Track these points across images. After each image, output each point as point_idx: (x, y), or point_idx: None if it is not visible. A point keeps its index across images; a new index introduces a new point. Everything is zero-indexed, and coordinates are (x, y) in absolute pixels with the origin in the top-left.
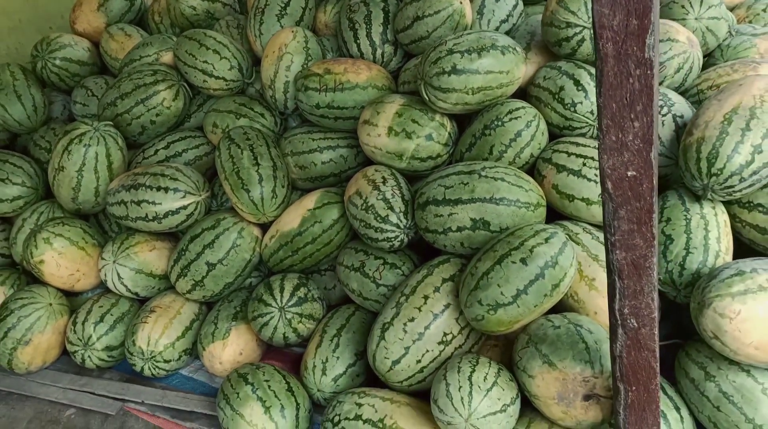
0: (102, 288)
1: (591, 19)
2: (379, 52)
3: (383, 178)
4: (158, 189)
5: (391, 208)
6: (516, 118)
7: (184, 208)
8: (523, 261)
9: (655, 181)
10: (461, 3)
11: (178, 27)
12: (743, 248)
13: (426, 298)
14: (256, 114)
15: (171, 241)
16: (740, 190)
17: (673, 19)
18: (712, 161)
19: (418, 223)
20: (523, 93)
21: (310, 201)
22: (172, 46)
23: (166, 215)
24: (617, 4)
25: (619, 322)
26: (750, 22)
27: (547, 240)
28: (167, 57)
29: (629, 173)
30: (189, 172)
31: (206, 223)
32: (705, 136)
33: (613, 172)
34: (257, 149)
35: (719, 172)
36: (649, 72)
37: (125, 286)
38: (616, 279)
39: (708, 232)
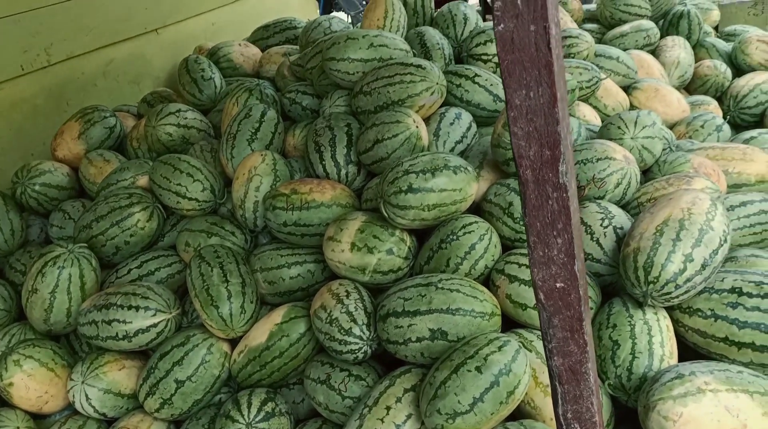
0: (70, 409)
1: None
2: (343, 172)
3: (347, 291)
4: (129, 308)
5: (355, 321)
6: (469, 232)
7: (155, 325)
8: (478, 369)
9: (582, 292)
10: (417, 127)
11: (155, 152)
12: (689, 352)
13: (388, 408)
14: (227, 232)
15: (141, 359)
16: (677, 297)
17: (611, 139)
18: (648, 270)
19: (380, 335)
20: (477, 208)
21: (278, 315)
22: (148, 170)
23: (136, 334)
24: (531, 138)
25: (564, 426)
26: (690, 137)
27: (500, 348)
28: (143, 180)
29: (558, 285)
30: (160, 291)
31: (176, 340)
32: (640, 247)
33: (543, 284)
34: (227, 267)
35: (655, 280)
36: (564, 195)
37: (93, 407)
38: (557, 384)
39: (652, 337)
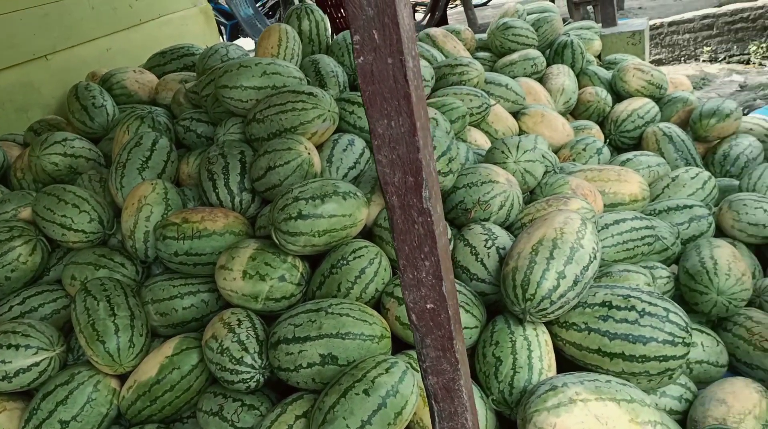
0: None
1: None
2: (237, 200)
3: (239, 320)
4: (8, 347)
5: (246, 350)
6: (359, 257)
7: (36, 364)
8: (366, 392)
9: (452, 312)
10: (309, 154)
11: (41, 182)
12: (568, 364)
13: None
14: (117, 264)
15: (23, 400)
16: (552, 312)
17: (496, 163)
18: (525, 287)
19: (272, 363)
20: (370, 232)
21: (169, 348)
22: (31, 201)
23: (16, 374)
24: (395, 165)
25: None
26: (573, 159)
27: (387, 370)
28: (26, 213)
29: (428, 306)
30: (42, 327)
31: (60, 378)
32: (518, 266)
33: (415, 306)
34: (114, 300)
35: (532, 297)
36: (429, 219)
37: None
38: (433, 403)
39: (531, 352)
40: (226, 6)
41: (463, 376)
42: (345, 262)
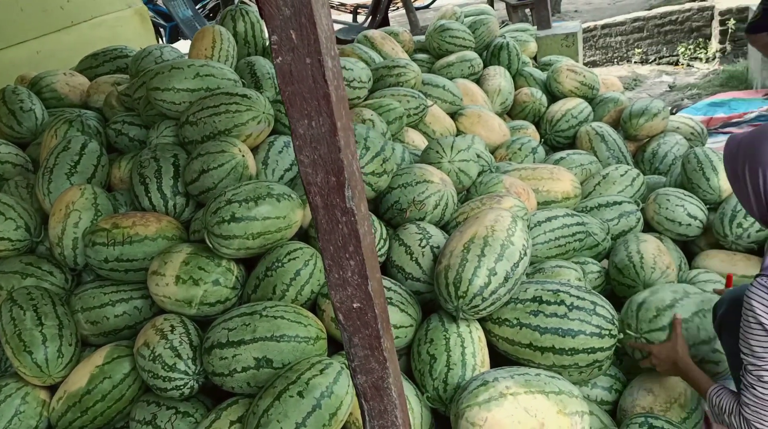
0: None
1: None
2: (171, 203)
3: (172, 326)
4: None
5: (179, 356)
6: (294, 259)
7: None
8: (300, 394)
9: (378, 310)
10: (243, 156)
11: None
12: (502, 359)
13: None
14: (44, 273)
15: None
16: (485, 309)
17: (431, 163)
18: (457, 285)
19: (206, 368)
20: (306, 234)
21: (99, 357)
22: None
23: None
24: (317, 165)
25: None
26: (509, 159)
27: (322, 371)
28: None
29: (355, 305)
30: None
31: None
32: (450, 264)
33: (341, 306)
34: (41, 309)
35: (464, 295)
36: (353, 218)
37: None
38: (363, 401)
39: (465, 349)
40: (165, 7)
41: (392, 374)
42: (280, 264)
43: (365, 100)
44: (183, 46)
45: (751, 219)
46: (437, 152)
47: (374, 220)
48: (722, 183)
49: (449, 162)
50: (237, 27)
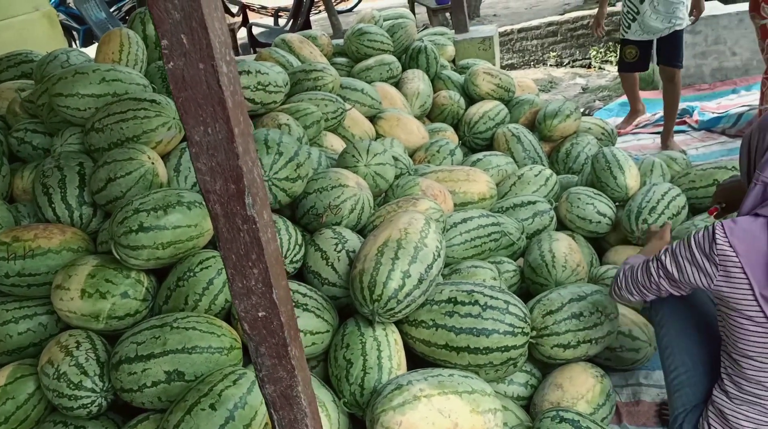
0: None
1: (266, 174)
2: (76, 214)
3: (77, 342)
4: None
5: (85, 373)
6: (206, 268)
7: None
8: (212, 406)
9: (285, 318)
10: (153, 163)
11: None
12: (418, 361)
13: None
14: None
15: None
16: (400, 311)
17: (347, 167)
18: (372, 289)
19: (114, 384)
20: None
21: (2, 377)
22: None
23: None
24: (215, 173)
25: None
26: (428, 161)
27: (235, 382)
28: None
29: (260, 314)
30: None
31: None
32: (364, 268)
33: (246, 315)
34: None
35: (379, 298)
36: (254, 226)
37: None
38: (272, 411)
39: (381, 352)
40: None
41: (302, 382)
42: (192, 273)
43: (282, 104)
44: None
45: (655, 214)
46: (353, 156)
47: (290, 225)
48: (629, 181)
49: (365, 166)
50: (147, 30)
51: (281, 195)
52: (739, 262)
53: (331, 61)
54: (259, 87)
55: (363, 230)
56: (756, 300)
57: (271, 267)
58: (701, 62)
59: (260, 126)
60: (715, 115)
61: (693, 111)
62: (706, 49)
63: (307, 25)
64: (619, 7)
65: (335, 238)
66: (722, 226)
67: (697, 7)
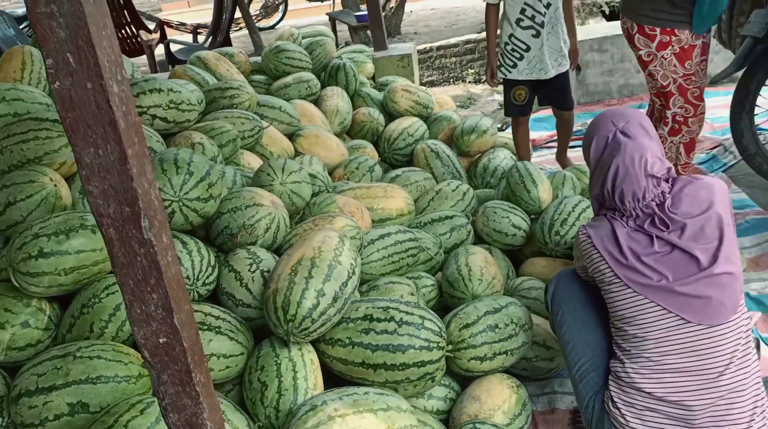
0: None
1: (176, 194)
2: None
3: None
4: None
5: None
6: (113, 293)
7: None
8: None
9: (188, 344)
10: (56, 185)
11: None
12: (337, 380)
13: None
14: None
15: None
16: (315, 330)
17: (262, 186)
18: (285, 309)
19: (14, 419)
20: None
21: None
22: None
23: None
24: (108, 196)
25: None
26: (348, 178)
27: (142, 411)
28: None
29: (161, 340)
30: None
31: None
32: (278, 288)
33: (147, 342)
34: None
35: (293, 318)
36: (152, 250)
37: None
38: None
39: (296, 373)
40: None
41: (207, 409)
42: (97, 300)
43: (197, 122)
44: None
45: (566, 226)
46: (268, 175)
47: (202, 246)
48: (542, 194)
49: (281, 184)
50: None
51: (193, 215)
52: (592, 242)
53: (249, 79)
54: (172, 105)
55: (280, 249)
56: (612, 269)
57: (171, 291)
58: (609, 79)
59: (173, 145)
60: None
61: None
62: (613, 66)
63: (227, 42)
64: None
65: (249, 258)
66: (585, 224)
67: (574, 52)
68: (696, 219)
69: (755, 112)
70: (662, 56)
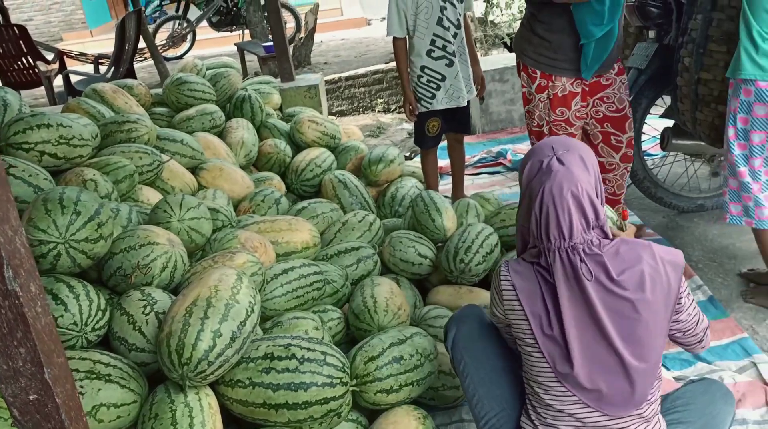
0: None
1: (62, 236)
2: None
3: None
4: None
5: None
6: None
7: None
8: None
9: (60, 400)
10: None
11: None
12: (239, 422)
13: None
14: None
15: None
16: (213, 373)
17: (158, 224)
18: (180, 352)
19: None
20: None
21: None
22: None
23: None
24: None
25: None
26: (253, 212)
27: None
28: None
29: (31, 397)
30: None
31: None
32: (172, 330)
33: (15, 399)
34: None
35: (188, 361)
36: (17, 301)
37: None
38: None
39: (193, 419)
40: None
41: None
42: None
43: (91, 158)
44: None
45: (470, 254)
46: (165, 211)
47: (90, 290)
48: (446, 223)
49: (179, 220)
50: None
51: (81, 257)
52: (517, 296)
53: (150, 112)
54: (62, 141)
55: (177, 289)
56: (531, 329)
57: (41, 344)
58: (510, 108)
59: (62, 183)
60: None
61: (506, 153)
62: (514, 95)
63: (130, 73)
64: None
65: (144, 299)
66: (507, 264)
67: (482, 80)
68: (624, 300)
69: (642, 139)
70: (539, 99)
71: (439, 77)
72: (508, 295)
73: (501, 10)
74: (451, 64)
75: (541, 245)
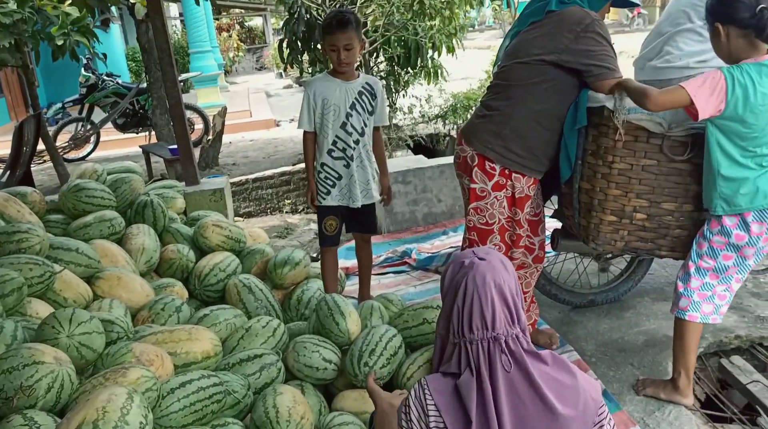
0: None
1: None
2: None
3: None
4: None
5: None
6: None
7: None
8: None
9: None
10: None
11: None
12: None
13: None
14: None
15: None
16: None
17: (45, 341)
18: None
19: None
20: None
21: None
22: None
23: None
24: None
25: None
26: (153, 321)
27: None
28: None
29: None
30: None
31: None
32: None
33: None
34: None
35: None
36: None
37: None
38: None
39: None
40: None
41: None
42: None
43: None
44: None
45: (374, 357)
46: (53, 327)
47: None
48: (350, 326)
49: (68, 336)
50: None
51: None
52: (440, 415)
53: (45, 219)
54: None
55: (65, 410)
56: None
57: None
58: (414, 208)
59: None
60: (430, 254)
61: (411, 252)
62: (417, 196)
63: (27, 177)
64: None
65: (26, 425)
66: (426, 380)
67: (388, 190)
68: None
69: None
70: (495, 196)
71: (336, 175)
72: (432, 413)
73: (404, 114)
74: (348, 166)
75: (463, 340)
